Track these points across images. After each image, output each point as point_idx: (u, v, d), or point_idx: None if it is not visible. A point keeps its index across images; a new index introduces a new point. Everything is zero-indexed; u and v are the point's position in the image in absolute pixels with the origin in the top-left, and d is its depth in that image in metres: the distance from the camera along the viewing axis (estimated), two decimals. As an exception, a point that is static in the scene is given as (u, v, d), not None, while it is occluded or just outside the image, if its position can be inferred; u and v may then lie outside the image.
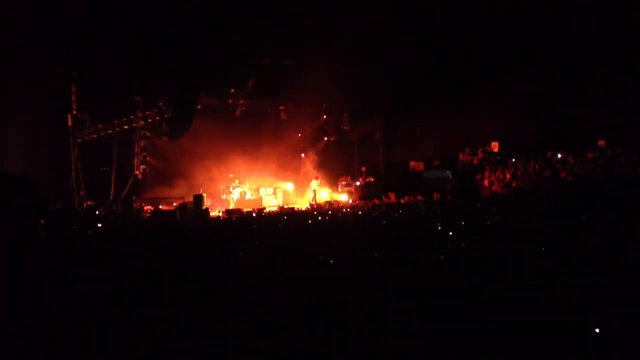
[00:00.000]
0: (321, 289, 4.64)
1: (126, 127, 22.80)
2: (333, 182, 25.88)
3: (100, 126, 22.30)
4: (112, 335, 3.70)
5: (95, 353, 3.45)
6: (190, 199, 20.72)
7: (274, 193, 25.67)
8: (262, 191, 25.72)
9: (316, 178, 25.29)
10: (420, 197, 19.91)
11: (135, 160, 23.56)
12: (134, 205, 20.30)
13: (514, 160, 22.03)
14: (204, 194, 21.51)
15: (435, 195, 20.02)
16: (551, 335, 3.27)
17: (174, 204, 21.51)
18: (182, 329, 3.73)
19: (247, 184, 25.68)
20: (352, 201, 22.58)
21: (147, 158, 24.16)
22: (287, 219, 14.88)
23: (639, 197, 12.74)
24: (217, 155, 25.39)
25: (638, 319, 3.43)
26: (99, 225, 14.72)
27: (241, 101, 25.37)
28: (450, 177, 22.36)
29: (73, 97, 21.38)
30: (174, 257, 7.24)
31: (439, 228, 9.40)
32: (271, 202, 24.78)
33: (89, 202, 20.49)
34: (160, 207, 22.11)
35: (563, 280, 4.63)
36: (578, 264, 5.26)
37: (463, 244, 7.36)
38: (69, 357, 3.36)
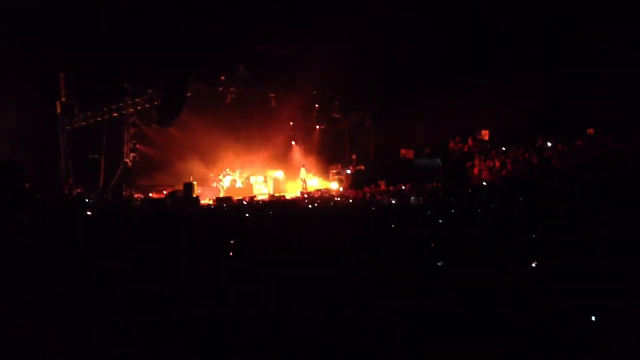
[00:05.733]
0: (309, 282, 4.65)
1: (115, 114, 22.58)
2: (324, 170, 25.88)
3: (89, 113, 22.11)
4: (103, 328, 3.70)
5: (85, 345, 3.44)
6: (181, 187, 20.66)
7: (265, 181, 25.66)
8: (252, 179, 25.71)
9: (303, 166, 25.27)
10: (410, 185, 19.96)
11: (125, 148, 23.38)
12: (124, 193, 20.20)
13: (504, 148, 22.13)
14: (194, 182, 21.45)
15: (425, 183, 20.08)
16: (545, 332, 3.29)
17: (164, 192, 21.45)
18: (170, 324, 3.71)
19: (237, 172, 25.65)
20: (343, 189, 22.62)
21: (137, 145, 23.98)
22: (277, 208, 14.87)
23: (627, 185, 12.85)
24: (207, 142, 25.28)
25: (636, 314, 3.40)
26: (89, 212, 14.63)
27: (231, 88, 25.22)
28: (441, 164, 22.46)
29: (62, 84, 21.16)
30: (164, 244, 7.23)
31: (429, 214, 9.45)
32: (262, 190, 24.77)
33: (78, 190, 20.36)
34: (150, 194, 22.01)
35: (556, 273, 4.64)
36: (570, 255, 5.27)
37: (454, 233, 7.41)
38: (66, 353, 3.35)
